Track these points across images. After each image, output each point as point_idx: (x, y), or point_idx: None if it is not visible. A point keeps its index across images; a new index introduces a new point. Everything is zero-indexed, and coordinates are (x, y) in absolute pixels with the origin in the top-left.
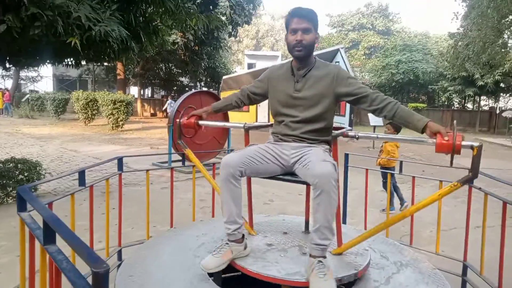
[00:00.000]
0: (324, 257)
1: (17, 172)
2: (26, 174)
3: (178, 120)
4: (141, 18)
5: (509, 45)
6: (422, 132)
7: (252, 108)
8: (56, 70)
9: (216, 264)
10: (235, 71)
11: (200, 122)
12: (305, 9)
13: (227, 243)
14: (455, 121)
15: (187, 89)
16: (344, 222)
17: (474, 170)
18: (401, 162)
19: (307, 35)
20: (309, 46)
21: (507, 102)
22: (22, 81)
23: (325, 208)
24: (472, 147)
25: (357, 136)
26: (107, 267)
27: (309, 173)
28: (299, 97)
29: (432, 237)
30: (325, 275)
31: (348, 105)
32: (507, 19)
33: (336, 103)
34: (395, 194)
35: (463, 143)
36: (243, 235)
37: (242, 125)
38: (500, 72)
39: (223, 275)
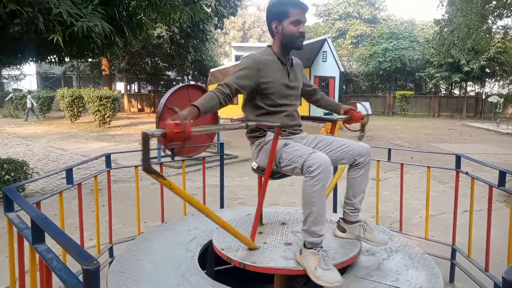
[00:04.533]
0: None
1: (3, 173)
2: (12, 174)
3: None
4: (124, 12)
5: (493, 30)
6: (339, 112)
7: (241, 100)
8: (40, 68)
9: (338, 277)
10: (223, 64)
11: (192, 130)
12: (305, 3)
13: (324, 250)
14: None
15: (174, 83)
16: (335, 211)
17: (363, 130)
18: (389, 150)
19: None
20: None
21: (493, 87)
22: (4, 80)
23: (364, 183)
24: (366, 116)
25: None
26: (98, 264)
27: (350, 153)
28: (292, 86)
29: (421, 223)
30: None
31: (336, 94)
32: (491, 4)
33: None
34: None
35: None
36: None
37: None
38: (485, 58)
39: (215, 268)
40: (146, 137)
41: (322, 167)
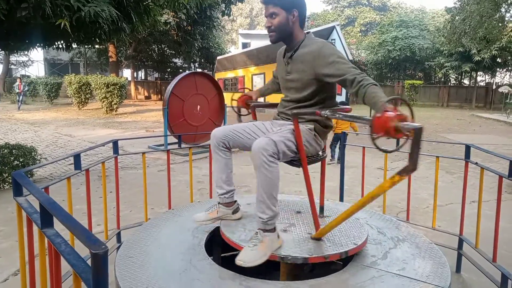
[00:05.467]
0: (264, 230)
1: (12, 158)
2: (21, 160)
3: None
4: None
5: (506, 19)
6: None
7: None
8: (47, 54)
9: (203, 218)
10: (230, 51)
11: (251, 103)
12: None
13: (216, 204)
14: (399, 96)
15: (181, 70)
16: (342, 200)
17: (412, 161)
18: (397, 140)
19: (273, 19)
20: (278, 30)
21: (504, 77)
22: (12, 66)
23: (258, 182)
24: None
25: (326, 115)
26: (106, 248)
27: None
28: (289, 79)
29: (428, 213)
30: (254, 246)
31: None
32: None
33: (328, 82)
34: (336, 152)
35: (400, 124)
36: (235, 201)
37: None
38: (497, 47)
39: (222, 255)
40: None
41: (211, 135)
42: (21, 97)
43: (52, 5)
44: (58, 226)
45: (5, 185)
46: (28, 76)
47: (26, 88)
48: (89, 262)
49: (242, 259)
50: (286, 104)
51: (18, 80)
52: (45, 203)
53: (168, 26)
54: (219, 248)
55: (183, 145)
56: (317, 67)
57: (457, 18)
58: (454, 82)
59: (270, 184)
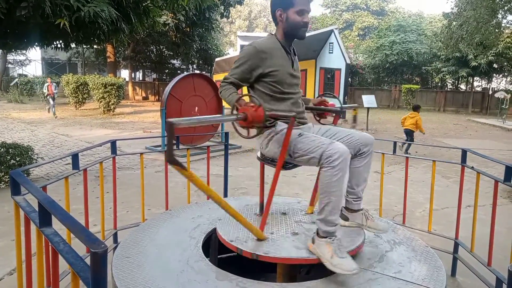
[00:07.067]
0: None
1: (8, 157)
2: (18, 159)
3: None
4: None
5: (502, 25)
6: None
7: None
8: (45, 54)
9: (354, 265)
10: (228, 53)
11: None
12: None
13: (338, 239)
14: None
15: (179, 72)
16: None
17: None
18: (394, 143)
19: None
20: None
21: (500, 82)
22: (10, 65)
23: (369, 170)
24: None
25: None
26: (105, 247)
27: (356, 143)
28: (296, 75)
29: (424, 217)
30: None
31: (342, 86)
32: None
33: None
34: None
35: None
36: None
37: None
38: (493, 53)
39: (219, 256)
40: (171, 127)
41: (342, 157)
42: (54, 101)
43: (52, 4)
44: (55, 225)
45: (0, 184)
46: (26, 75)
47: (56, 90)
48: (87, 260)
49: None
50: (301, 102)
51: (49, 79)
52: (44, 202)
53: (167, 27)
54: (216, 250)
55: (180, 146)
56: None
57: (454, 23)
58: (450, 87)
59: None
